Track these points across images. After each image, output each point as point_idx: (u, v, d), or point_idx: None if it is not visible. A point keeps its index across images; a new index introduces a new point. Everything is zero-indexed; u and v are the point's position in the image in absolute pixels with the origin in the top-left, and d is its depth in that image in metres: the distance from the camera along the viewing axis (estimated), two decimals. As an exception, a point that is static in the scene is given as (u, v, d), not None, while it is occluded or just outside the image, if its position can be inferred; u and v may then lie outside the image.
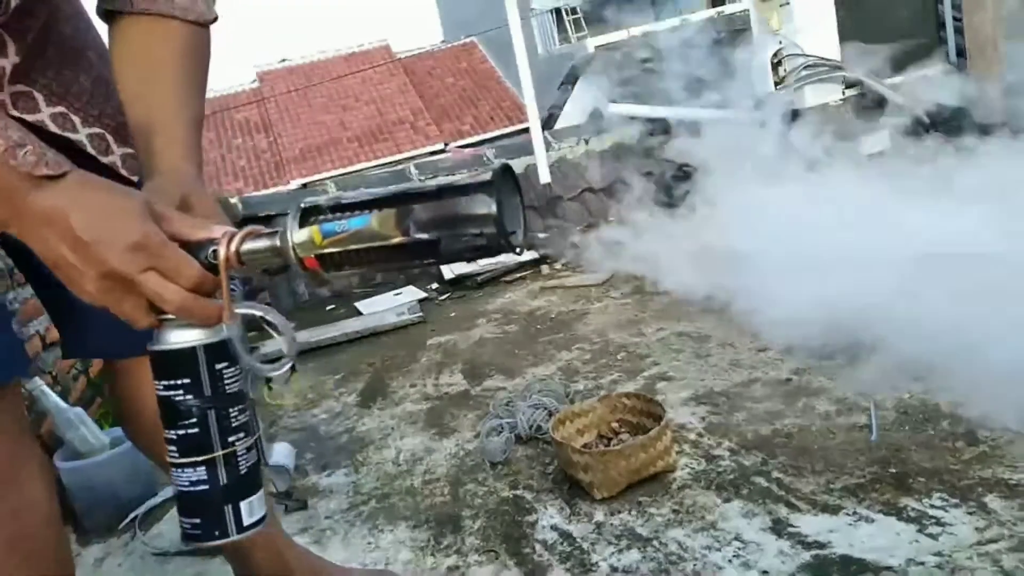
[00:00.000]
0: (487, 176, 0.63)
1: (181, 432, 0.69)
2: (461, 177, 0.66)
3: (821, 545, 1.16)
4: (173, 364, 0.69)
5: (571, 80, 6.89)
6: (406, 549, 1.38)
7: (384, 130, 14.13)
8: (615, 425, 1.57)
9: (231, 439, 0.71)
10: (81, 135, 0.92)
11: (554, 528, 1.34)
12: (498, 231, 0.62)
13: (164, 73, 0.86)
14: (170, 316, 0.68)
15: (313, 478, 1.73)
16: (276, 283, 3.62)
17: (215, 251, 0.67)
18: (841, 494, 1.27)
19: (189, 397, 0.69)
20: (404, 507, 1.52)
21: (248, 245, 0.67)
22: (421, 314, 2.85)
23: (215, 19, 0.92)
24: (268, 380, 0.65)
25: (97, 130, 0.93)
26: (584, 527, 1.33)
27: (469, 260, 0.71)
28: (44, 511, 0.94)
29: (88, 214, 0.65)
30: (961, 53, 3.94)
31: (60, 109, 0.90)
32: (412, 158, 10.83)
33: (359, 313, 3.06)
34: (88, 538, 1.66)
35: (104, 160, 0.93)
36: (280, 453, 1.77)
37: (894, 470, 1.31)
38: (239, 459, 0.71)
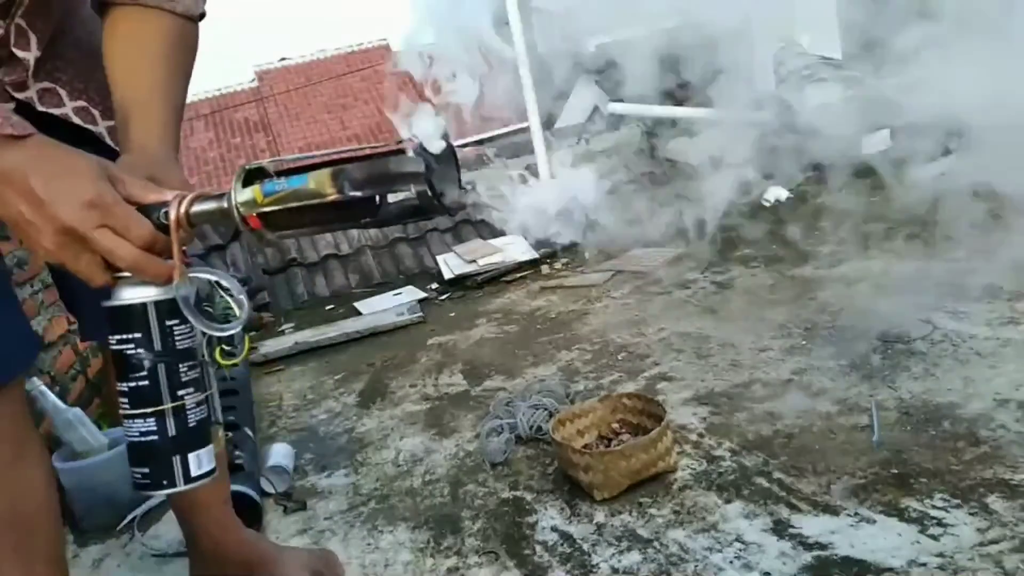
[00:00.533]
0: (417, 149, 0.68)
1: (132, 384, 0.73)
2: (388, 144, 0.71)
3: (822, 546, 1.15)
4: (125, 319, 0.73)
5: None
6: (406, 550, 1.38)
7: (384, 129, 14.13)
8: (616, 426, 1.57)
9: (180, 393, 0.74)
10: (101, 127, 0.99)
11: (554, 529, 1.34)
12: (428, 189, 0.67)
13: (149, 60, 0.90)
14: (125, 274, 0.71)
15: (312, 479, 1.73)
16: (275, 283, 3.62)
17: (166, 212, 0.71)
18: (842, 495, 1.26)
19: (140, 351, 0.73)
20: (404, 508, 1.52)
21: (197, 207, 0.71)
22: (421, 314, 2.85)
23: (203, 15, 0.96)
24: (221, 342, 0.74)
25: (81, 103, 0.98)
26: (585, 528, 1.32)
27: (403, 221, 0.73)
28: (42, 496, 0.98)
29: (45, 173, 0.69)
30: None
31: (80, 103, 0.97)
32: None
33: (358, 313, 3.06)
34: (86, 539, 1.65)
35: (93, 129, 1.00)
36: (279, 454, 1.77)
37: (895, 471, 1.30)
38: (188, 412, 0.75)
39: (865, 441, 1.41)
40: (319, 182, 0.69)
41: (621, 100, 4.15)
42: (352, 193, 0.68)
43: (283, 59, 15.93)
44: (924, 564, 1.07)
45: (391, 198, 0.68)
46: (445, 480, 1.60)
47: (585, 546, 1.27)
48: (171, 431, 0.74)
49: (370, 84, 14.97)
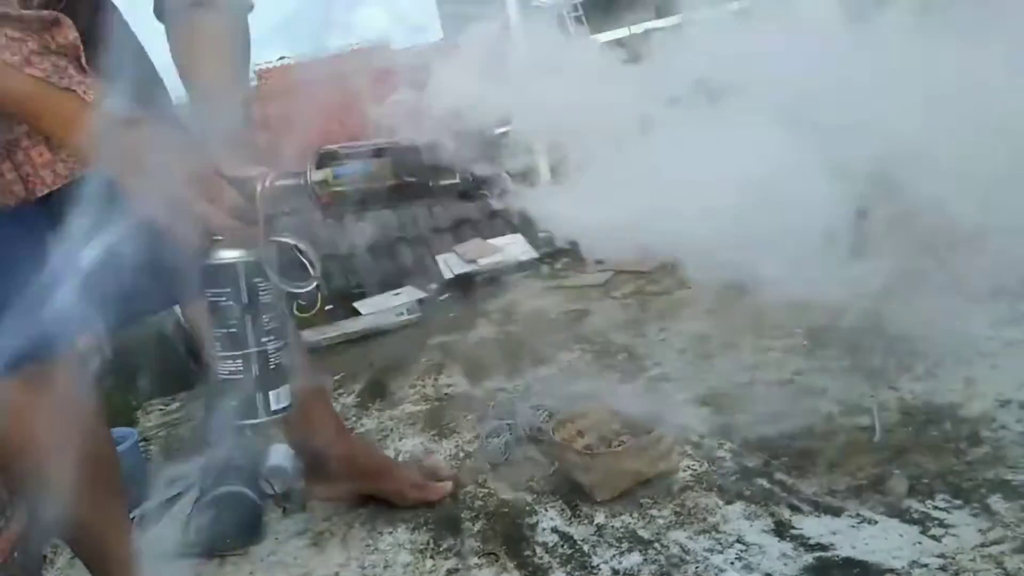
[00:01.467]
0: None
1: (224, 331, 0.87)
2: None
3: (824, 547, 1.15)
4: (218, 275, 0.87)
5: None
6: (405, 551, 1.37)
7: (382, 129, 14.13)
8: (616, 426, 1.56)
9: (263, 340, 0.88)
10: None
11: (555, 530, 1.34)
12: (470, 176, 0.82)
13: (212, 53, 1.00)
14: (218, 238, 0.84)
15: (312, 479, 1.72)
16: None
17: (254, 186, 0.84)
18: (844, 495, 1.26)
19: (230, 303, 0.87)
20: (403, 509, 1.51)
21: (279, 183, 0.85)
22: (421, 314, 2.84)
23: (252, 7, 1.08)
24: (297, 298, 0.99)
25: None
26: (585, 529, 1.32)
27: (450, 202, 0.89)
28: (100, 419, 1.22)
29: (156, 152, 0.82)
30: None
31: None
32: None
33: (358, 313, 3.05)
34: (86, 540, 1.65)
35: None
36: (279, 454, 1.76)
37: (897, 471, 1.30)
38: (270, 356, 0.89)
39: (867, 441, 1.41)
40: (380, 169, 0.83)
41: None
42: (408, 179, 0.83)
43: (282, 58, 15.93)
44: (926, 565, 1.06)
45: (441, 183, 0.83)
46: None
47: (585, 547, 1.27)
48: (255, 371, 0.89)
49: (370, 83, 14.96)
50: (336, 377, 2.38)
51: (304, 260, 0.92)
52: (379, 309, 3.02)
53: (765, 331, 2.01)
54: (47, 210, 1.01)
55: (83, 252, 1.06)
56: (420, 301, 3.03)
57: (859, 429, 1.46)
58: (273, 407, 0.89)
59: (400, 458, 1.73)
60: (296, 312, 0.97)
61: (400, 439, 1.83)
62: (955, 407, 1.46)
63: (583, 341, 2.24)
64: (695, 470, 1.43)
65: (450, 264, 3.30)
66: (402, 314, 2.87)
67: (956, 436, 1.37)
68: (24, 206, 1.02)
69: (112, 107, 0.82)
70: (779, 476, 1.36)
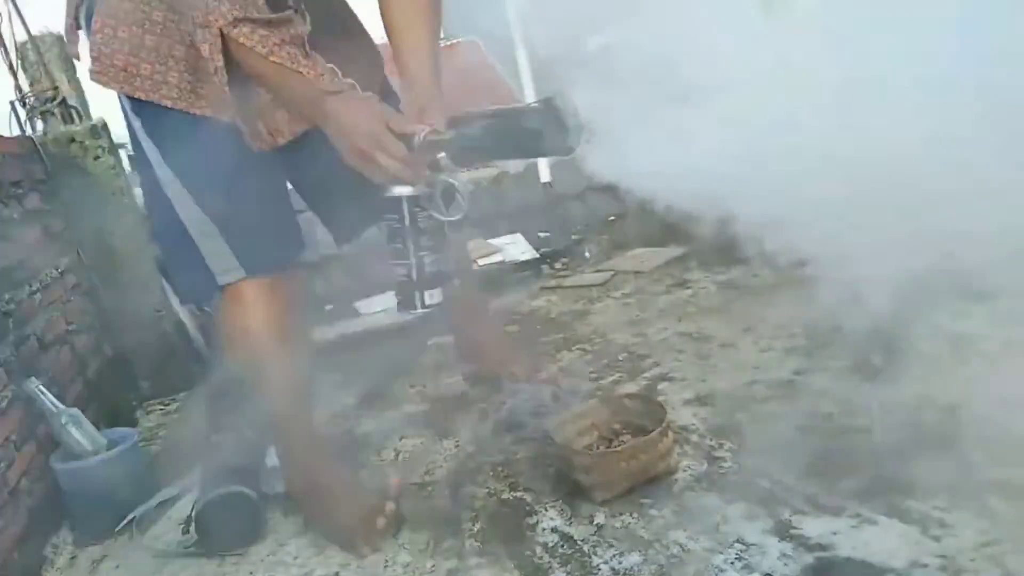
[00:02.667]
0: (542, 104, 1.14)
1: (393, 245, 1.25)
2: (533, 102, 1.18)
3: (824, 547, 1.15)
4: (390, 205, 1.23)
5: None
6: (405, 551, 1.37)
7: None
8: (616, 426, 1.56)
9: (421, 253, 1.24)
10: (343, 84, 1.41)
11: (555, 530, 1.34)
12: (549, 139, 1.14)
13: (415, 23, 1.34)
14: (389, 178, 1.20)
15: (312, 479, 1.72)
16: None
17: (416, 140, 1.18)
18: (844, 496, 1.26)
19: (398, 225, 1.23)
20: (403, 509, 1.51)
21: (429, 138, 1.19)
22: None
23: None
24: (449, 223, 1.28)
25: (350, 80, 1.34)
26: (585, 529, 1.32)
27: (541, 155, 1.43)
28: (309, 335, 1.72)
29: (350, 116, 1.19)
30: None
31: (329, 67, 1.30)
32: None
33: (358, 313, 3.05)
34: (85, 540, 1.65)
35: None
36: (279, 454, 1.76)
37: (897, 471, 1.30)
38: (426, 266, 1.25)
39: (867, 442, 1.41)
40: (485, 131, 1.18)
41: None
42: (507, 140, 1.18)
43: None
44: (926, 565, 1.07)
45: (527, 142, 1.17)
46: (445, 481, 1.59)
47: (585, 547, 1.27)
48: (414, 275, 1.25)
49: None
50: (336, 377, 2.38)
51: (457, 194, 1.24)
52: (379, 309, 3.02)
53: (765, 331, 2.01)
54: (283, 153, 1.44)
55: (307, 185, 1.58)
56: (420, 301, 3.03)
57: (860, 430, 1.46)
58: (427, 303, 1.26)
59: (400, 457, 1.74)
60: (447, 234, 1.29)
61: (400, 439, 1.83)
62: (955, 407, 1.46)
63: (583, 341, 2.24)
64: (695, 470, 1.43)
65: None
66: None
67: (956, 436, 1.37)
68: (269, 151, 1.42)
69: (325, 84, 1.19)
70: (779, 476, 1.35)
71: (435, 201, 1.23)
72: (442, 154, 1.21)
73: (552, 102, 1.12)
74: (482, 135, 1.17)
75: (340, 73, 1.25)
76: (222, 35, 1.17)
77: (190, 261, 1.40)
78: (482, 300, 2.01)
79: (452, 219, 1.24)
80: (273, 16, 1.19)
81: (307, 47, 1.21)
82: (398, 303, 1.29)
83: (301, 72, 1.18)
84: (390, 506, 1.44)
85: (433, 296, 1.26)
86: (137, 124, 1.40)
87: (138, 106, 1.37)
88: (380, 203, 1.23)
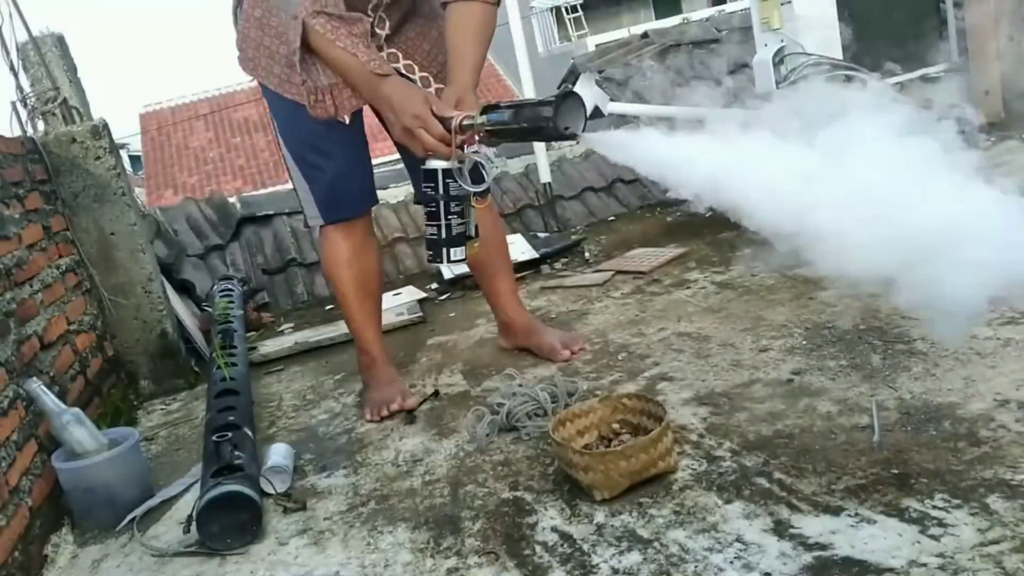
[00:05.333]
0: (552, 99, 1.35)
1: (429, 209, 1.54)
2: (547, 97, 1.38)
3: (823, 546, 1.15)
4: (428, 175, 1.52)
5: (571, 78, 6.87)
6: (405, 551, 1.38)
7: (383, 129, 14.09)
8: (616, 426, 1.57)
9: (450, 216, 1.53)
10: (416, 77, 1.81)
11: (555, 530, 1.34)
12: (554, 126, 1.33)
13: (466, 32, 1.68)
14: (428, 153, 1.51)
15: (312, 479, 1.72)
16: (275, 283, 3.62)
17: (452, 121, 1.47)
18: (843, 495, 1.26)
19: (433, 192, 1.52)
20: (403, 508, 1.52)
21: (464, 122, 1.46)
22: (421, 314, 2.84)
23: (499, 1, 1.72)
24: (475, 194, 1.53)
25: (424, 74, 1.83)
26: (585, 528, 1.32)
27: (551, 139, 1.58)
28: (376, 267, 2.07)
29: (397, 98, 1.53)
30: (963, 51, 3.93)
31: (407, 62, 1.83)
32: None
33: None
34: (86, 539, 1.65)
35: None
36: (279, 454, 1.76)
37: (896, 471, 1.30)
38: (454, 227, 1.54)
39: (865, 441, 1.41)
40: (511, 118, 1.40)
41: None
42: (523, 124, 1.38)
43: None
44: (925, 564, 1.07)
45: (543, 130, 1.37)
46: (445, 480, 1.59)
47: (585, 546, 1.27)
48: (443, 235, 1.54)
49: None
50: (336, 377, 2.39)
51: (483, 170, 1.50)
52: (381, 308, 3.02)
53: (765, 331, 2.01)
54: (347, 123, 1.80)
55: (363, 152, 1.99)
56: (420, 301, 3.03)
57: (858, 429, 1.46)
58: (454, 258, 1.56)
59: (401, 457, 1.74)
60: (474, 204, 1.57)
61: (400, 439, 1.84)
62: (953, 407, 1.46)
63: (583, 341, 2.24)
64: (695, 470, 1.43)
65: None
66: (402, 314, 2.87)
67: (955, 436, 1.37)
68: (334, 120, 1.77)
69: (376, 67, 1.57)
70: (779, 476, 1.36)
71: (464, 175, 1.49)
72: (473, 135, 1.47)
73: (562, 97, 1.34)
74: (506, 120, 1.41)
75: (402, 56, 1.81)
76: (304, 25, 1.55)
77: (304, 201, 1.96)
78: (511, 276, 2.22)
79: (478, 190, 1.52)
80: (345, 13, 1.57)
81: (368, 39, 1.60)
82: (428, 257, 1.59)
83: (360, 59, 1.55)
84: (399, 403, 1.93)
85: (456, 253, 1.55)
86: (267, 103, 1.90)
87: (264, 90, 1.87)
88: (422, 174, 1.53)
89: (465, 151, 1.50)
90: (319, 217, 1.92)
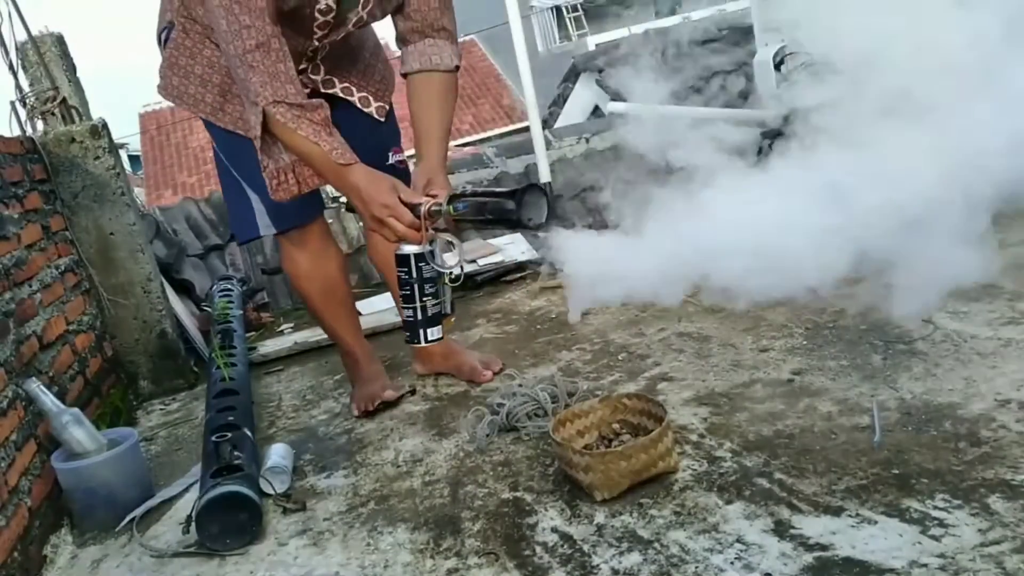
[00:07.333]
0: (515, 189, 1.42)
1: (403, 292, 1.56)
2: (508, 189, 1.46)
3: (823, 547, 1.15)
4: (401, 260, 1.54)
5: (572, 78, 6.88)
6: (405, 551, 1.37)
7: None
8: (616, 426, 1.56)
9: (425, 298, 1.55)
10: (355, 97, 1.86)
11: (555, 530, 1.34)
12: (518, 219, 1.40)
13: (429, 104, 1.71)
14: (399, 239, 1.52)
15: (312, 479, 1.72)
16: (275, 283, 3.61)
17: (421, 209, 1.48)
18: (843, 495, 1.26)
19: (406, 276, 1.54)
20: (403, 509, 1.52)
21: (432, 208, 1.48)
22: (421, 314, 2.83)
23: (458, 66, 1.75)
24: (447, 275, 1.55)
25: (363, 94, 1.87)
26: (585, 529, 1.32)
27: (515, 228, 1.77)
28: (338, 274, 2.01)
29: (365, 187, 1.52)
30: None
31: (345, 84, 1.85)
32: (411, 157, 10.80)
33: (359, 313, 3.04)
34: (85, 540, 1.65)
35: (365, 110, 1.89)
36: (278, 454, 1.76)
37: (896, 471, 1.30)
38: (429, 308, 1.56)
39: (866, 441, 1.41)
40: (476, 209, 1.46)
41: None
42: (488, 216, 1.45)
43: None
44: (925, 565, 1.07)
45: (508, 218, 1.41)
46: (445, 481, 1.59)
47: (585, 547, 1.27)
48: (419, 316, 1.57)
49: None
50: (336, 377, 2.38)
51: (453, 251, 1.53)
52: (379, 309, 3.02)
53: (765, 331, 2.01)
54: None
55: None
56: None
57: (859, 429, 1.46)
58: (431, 338, 1.59)
59: (401, 457, 1.74)
60: (448, 282, 1.58)
61: (400, 439, 1.83)
62: (954, 407, 1.46)
63: (583, 341, 2.24)
64: (695, 470, 1.43)
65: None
66: (402, 314, 2.86)
67: (955, 436, 1.37)
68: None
69: (338, 157, 1.52)
70: (779, 476, 1.36)
71: (436, 256, 1.53)
72: (441, 221, 1.49)
73: (525, 191, 1.41)
74: (472, 209, 1.45)
75: (338, 80, 1.83)
76: (264, 113, 1.52)
77: (244, 215, 1.92)
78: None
79: (450, 269, 1.55)
80: (305, 101, 1.54)
81: (330, 126, 1.55)
82: (406, 338, 1.61)
83: (321, 146, 1.52)
84: (388, 395, 2.00)
85: (434, 332, 1.59)
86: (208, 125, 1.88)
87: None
88: (394, 259, 1.56)
89: (436, 233, 1.51)
90: (269, 227, 1.90)
